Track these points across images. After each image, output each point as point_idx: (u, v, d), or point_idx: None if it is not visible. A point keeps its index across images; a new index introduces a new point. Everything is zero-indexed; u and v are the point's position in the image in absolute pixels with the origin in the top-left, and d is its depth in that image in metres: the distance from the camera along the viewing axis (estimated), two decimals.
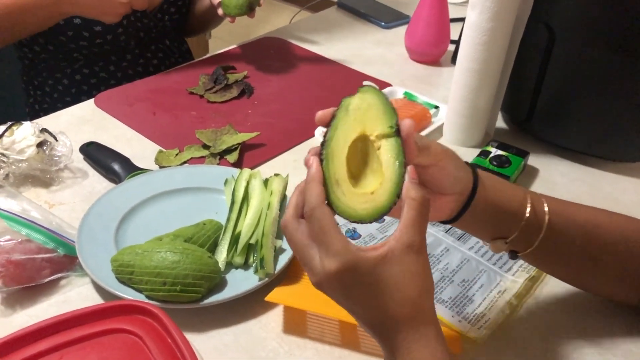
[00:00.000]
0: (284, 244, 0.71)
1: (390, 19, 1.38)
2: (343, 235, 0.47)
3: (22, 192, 0.79)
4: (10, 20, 0.97)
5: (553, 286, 0.72)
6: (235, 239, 0.69)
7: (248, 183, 0.77)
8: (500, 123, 1.03)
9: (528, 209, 0.57)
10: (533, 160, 0.93)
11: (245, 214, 0.73)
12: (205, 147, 0.89)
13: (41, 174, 0.81)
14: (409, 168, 0.48)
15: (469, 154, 0.91)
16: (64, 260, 0.67)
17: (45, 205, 0.77)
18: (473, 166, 0.59)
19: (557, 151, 0.95)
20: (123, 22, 1.06)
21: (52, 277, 0.66)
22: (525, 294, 0.70)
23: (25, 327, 0.53)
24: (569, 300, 0.70)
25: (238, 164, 0.87)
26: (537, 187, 0.88)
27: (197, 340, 0.62)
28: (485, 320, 0.65)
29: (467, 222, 0.57)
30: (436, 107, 1.03)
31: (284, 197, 0.77)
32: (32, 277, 0.64)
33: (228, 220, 0.72)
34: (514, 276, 0.71)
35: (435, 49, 1.19)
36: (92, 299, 0.66)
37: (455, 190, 0.55)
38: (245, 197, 0.75)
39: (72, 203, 0.79)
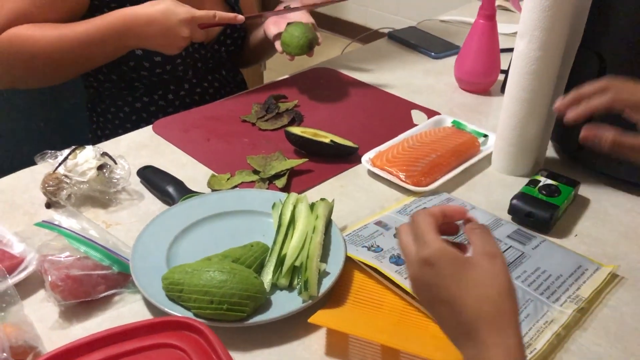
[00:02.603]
0: (328, 267, 0.72)
1: (440, 49, 1.39)
2: (438, 234, 0.54)
3: (82, 211, 0.83)
4: (79, 53, 1.03)
5: (603, 319, 0.70)
6: (280, 261, 0.71)
7: (295, 207, 0.79)
8: (551, 152, 1.02)
9: None
10: (584, 190, 0.92)
11: (291, 237, 0.75)
12: (256, 172, 0.92)
13: (100, 195, 0.85)
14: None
15: (518, 184, 0.90)
16: (118, 277, 0.70)
17: (102, 225, 0.81)
18: None
19: (609, 182, 0.93)
20: (182, 53, 1.11)
21: (106, 293, 0.69)
22: (574, 326, 0.69)
23: (79, 338, 0.56)
24: (620, 334, 0.68)
25: (286, 189, 0.89)
26: (588, 217, 0.87)
27: (241, 359, 0.63)
28: (531, 351, 0.64)
29: None
30: (485, 135, 1.03)
31: (329, 222, 0.79)
32: (88, 292, 0.68)
33: (274, 242, 0.74)
34: (562, 307, 0.70)
35: (484, 79, 1.19)
36: (143, 315, 0.68)
37: None
38: (292, 221, 0.77)
39: (128, 223, 0.82)
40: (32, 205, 0.84)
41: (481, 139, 1.02)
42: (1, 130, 1.33)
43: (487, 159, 0.99)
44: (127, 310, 0.69)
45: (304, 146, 0.97)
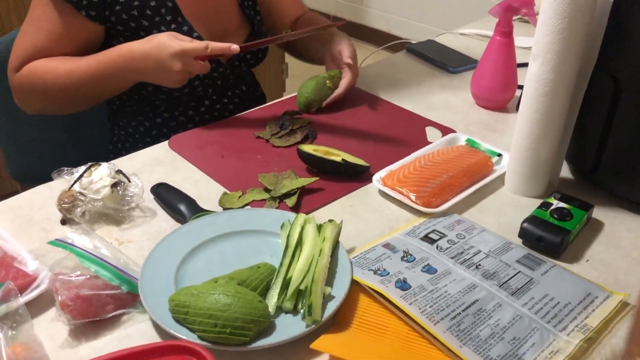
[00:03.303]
0: (333, 290, 0.72)
1: (458, 63, 1.38)
2: None
3: (96, 229, 0.85)
4: (86, 88, 1.06)
5: (612, 349, 0.69)
6: (286, 284, 0.72)
7: (302, 228, 0.79)
8: (567, 173, 1.00)
9: None
10: (598, 213, 0.90)
11: (298, 259, 0.75)
12: (267, 190, 0.93)
13: (114, 213, 0.87)
14: None
15: (531, 205, 0.89)
16: (127, 297, 0.72)
17: (115, 243, 0.83)
18: None
19: (625, 205, 0.92)
20: (199, 75, 1.12)
21: (115, 313, 0.70)
22: (580, 357, 0.68)
23: None
24: None
25: (296, 208, 0.90)
26: (601, 242, 0.85)
27: None
28: None
29: None
30: (499, 155, 1.02)
31: (337, 243, 0.79)
32: (97, 312, 0.69)
33: (281, 264, 0.75)
34: (569, 336, 0.69)
35: (501, 96, 1.18)
36: (150, 336, 0.69)
37: None
38: (299, 242, 0.78)
39: (140, 241, 0.84)
40: (49, 222, 0.86)
41: (495, 158, 1.02)
42: (26, 140, 1.36)
43: (501, 179, 0.98)
44: (135, 330, 0.70)
45: (315, 164, 0.97)
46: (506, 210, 0.92)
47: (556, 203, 0.87)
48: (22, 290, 0.70)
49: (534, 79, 0.87)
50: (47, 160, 1.40)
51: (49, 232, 0.84)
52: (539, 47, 0.85)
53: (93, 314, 0.69)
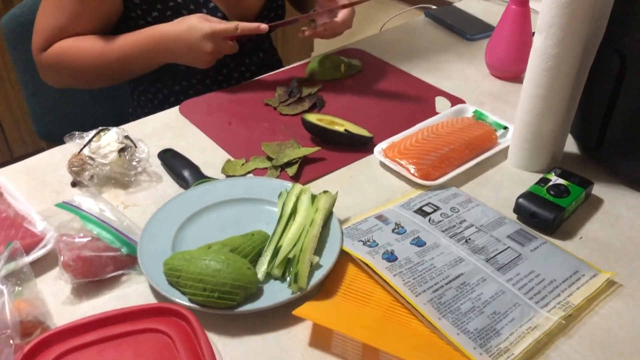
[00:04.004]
0: (322, 260, 0.75)
1: (476, 31, 1.36)
2: None
3: (104, 191, 0.89)
4: (116, 67, 1.10)
5: (591, 327, 0.70)
6: (276, 252, 0.75)
7: (298, 198, 0.82)
8: (573, 149, 0.99)
9: None
10: (600, 190, 0.90)
11: (290, 229, 0.78)
12: (269, 159, 0.95)
13: (121, 177, 0.91)
14: None
15: (531, 180, 0.89)
16: (126, 259, 0.76)
17: (121, 206, 0.87)
18: None
19: (627, 182, 0.91)
20: None
21: (114, 274, 0.74)
22: (558, 333, 0.69)
23: (75, 320, 0.61)
24: (605, 344, 0.68)
25: (296, 177, 0.92)
26: (598, 220, 0.85)
27: (230, 345, 0.68)
28: (507, 356, 0.65)
29: None
30: (505, 127, 1.02)
31: (330, 214, 0.81)
32: (97, 273, 0.74)
33: (274, 233, 0.78)
34: (549, 313, 0.70)
35: (514, 67, 1.17)
36: (146, 296, 0.74)
37: None
38: (293, 212, 0.80)
39: (145, 205, 0.88)
40: (60, 184, 0.91)
41: (501, 131, 1.01)
42: (51, 100, 1.41)
43: (504, 153, 0.98)
44: (132, 291, 0.74)
45: (318, 134, 0.99)
46: (506, 184, 0.93)
47: (554, 179, 0.87)
48: (30, 249, 0.75)
49: (538, 54, 0.85)
50: (71, 120, 1.46)
51: (59, 194, 0.89)
52: (543, 21, 0.83)
53: (93, 274, 0.73)
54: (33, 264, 0.73)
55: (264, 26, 1.05)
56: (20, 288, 0.69)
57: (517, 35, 1.14)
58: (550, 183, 0.86)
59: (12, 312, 0.63)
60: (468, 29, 1.37)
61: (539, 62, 0.86)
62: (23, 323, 0.64)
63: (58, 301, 0.72)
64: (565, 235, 0.83)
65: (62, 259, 0.72)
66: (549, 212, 0.82)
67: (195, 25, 1.03)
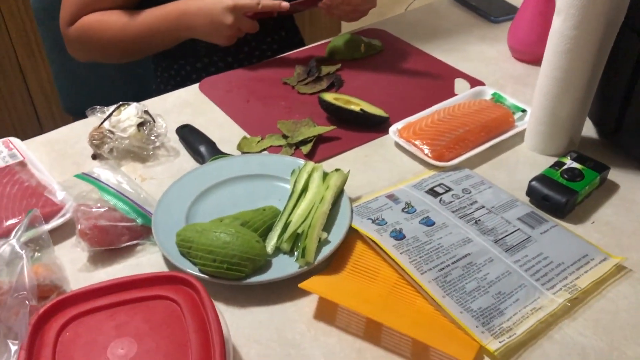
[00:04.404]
0: (330, 236, 0.76)
1: (501, 13, 1.34)
2: None
3: (122, 164, 0.92)
4: (140, 42, 1.12)
5: (596, 311, 0.70)
6: (285, 227, 0.76)
7: (310, 175, 0.83)
8: (592, 133, 0.98)
9: None
10: (615, 175, 0.89)
11: (300, 205, 0.79)
12: (285, 136, 0.96)
13: (139, 151, 0.93)
14: None
15: (547, 164, 0.89)
16: (141, 230, 0.78)
17: (138, 179, 0.89)
18: None
19: None
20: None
21: (129, 243, 0.77)
22: (562, 315, 0.69)
23: (91, 284, 0.64)
24: (609, 327, 0.68)
25: (310, 155, 0.93)
26: (612, 205, 0.84)
27: (237, 314, 0.70)
28: (509, 335, 0.66)
29: None
30: (523, 110, 1.01)
31: (341, 192, 0.82)
32: (113, 242, 0.76)
33: (284, 208, 0.79)
34: (555, 295, 0.70)
35: (537, 49, 1.15)
36: (159, 266, 0.76)
37: None
38: (305, 189, 0.81)
39: (161, 179, 0.90)
40: (81, 156, 0.94)
41: (519, 114, 1.00)
42: (77, 75, 1.45)
43: (521, 136, 0.97)
44: (146, 260, 0.77)
45: (334, 113, 0.99)
46: (521, 167, 0.92)
47: (569, 163, 0.87)
48: (49, 217, 0.78)
49: (556, 35, 0.84)
50: (96, 96, 1.49)
51: (80, 166, 0.92)
52: (562, 1, 0.82)
53: (109, 243, 0.76)
54: (52, 231, 0.76)
55: (285, 4, 1.05)
56: (39, 254, 0.72)
57: (540, 17, 1.12)
58: (565, 167, 0.86)
59: (30, 276, 0.66)
60: (493, 10, 1.35)
61: (558, 44, 0.85)
62: (40, 286, 0.67)
63: (75, 268, 0.75)
64: (577, 219, 0.82)
65: (79, 228, 0.75)
66: (561, 196, 0.81)
67: None
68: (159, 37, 1.11)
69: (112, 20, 1.11)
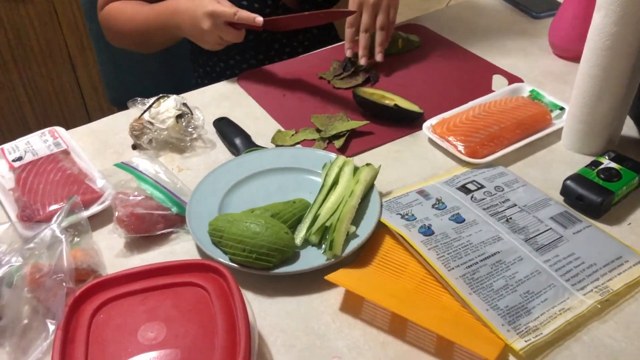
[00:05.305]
0: (359, 230, 0.77)
1: (543, 8, 1.31)
2: None
3: (161, 155, 0.95)
4: (146, 33, 1.13)
5: (628, 314, 0.69)
6: (314, 220, 0.77)
7: (341, 169, 0.83)
8: (632, 133, 0.96)
9: None
10: None
11: (330, 198, 0.80)
12: (318, 130, 0.97)
13: (177, 142, 0.95)
14: None
15: (584, 163, 0.87)
16: (176, 218, 0.81)
17: (175, 169, 0.92)
18: None
19: None
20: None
21: (164, 231, 0.79)
22: (592, 317, 0.68)
23: (125, 269, 0.66)
24: None
25: (343, 150, 0.94)
26: None
27: (264, 304, 0.71)
28: (536, 335, 0.65)
29: None
30: (562, 108, 0.99)
31: (371, 186, 0.83)
32: (149, 229, 0.79)
33: (314, 201, 0.80)
34: (585, 296, 0.69)
35: (578, 45, 1.11)
36: (192, 253, 0.78)
37: None
38: (335, 183, 0.82)
39: (197, 169, 0.92)
40: (121, 146, 0.97)
41: (557, 112, 0.99)
42: (122, 68, 1.49)
43: (558, 134, 0.96)
44: (179, 248, 0.79)
45: (368, 108, 1.00)
46: (556, 166, 0.91)
47: (606, 162, 0.85)
48: (89, 204, 0.81)
49: (596, 32, 0.83)
50: (140, 88, 1.53)
51: (120, 155, 0.95)
52: None
53: (144, 230, 0.78)
54: (91, 217, 0.80)
55: (259, 19, 1.00)
56: (78, 239, 0.75)
57: (583, 12, 1.10)
58: (602, 166, 0.84)
59: (69, 259, 0.69)
60: (534, 5, 1.32)
61: (597, 41, 0.83)
62: (78, 270, 0.70)
63: (111, 253, 0.78)
64: (613, 220, 0.81)
65: (116, 215, 0.78)
66: (596, 196, 0.80)
67: (202, 1, 1.01)
68: (157, 33, 1.12)
69: (126, 9, 1.14)
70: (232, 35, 1.03)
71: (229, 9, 1.00)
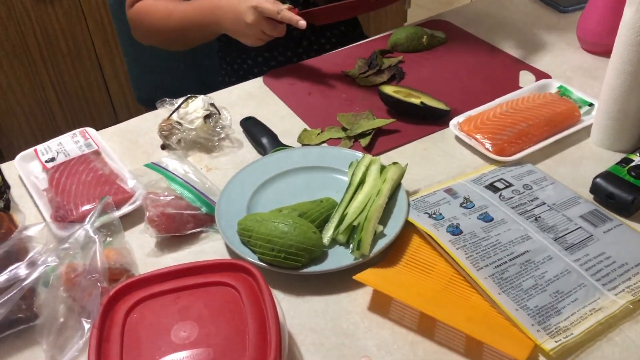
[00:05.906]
0: (386, 229, 0.77)
1: (571, 2, 1.29)
2: None
3: (189, 155, 0.96)
4: (182, 31, 1.14)
5: None
6: (342, 219, 0.77)
7: (367, 168, 0.84)
8: None
9: None
10: None
11: (357, 197, 0.80)
12: (344, 129, 0.97)
13: (205, 142, 0.96)
14: None
15: (614, 160, 0.86)
16: (205, 218, 0.82)
17: (204, 169, 0.93)
18: None
19: None
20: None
21: (193, 230, 0.81)
22: (624, 317, 0.68)
23: (157, 269, 0.68)
24: None
25: (369, 148, 0.94)
26: None
27: (293, 303, 0.72)
28: (566, 335, 0.65)
29: None
30: (591, 104, 0.98)
31: (398, 185, 0.83)
32: (179, 229, 0.80)
33: (341, 200, 0.80)
34: (616, 296, 0.69)
35: (607, 39, 1.10)
36: (221, 253, 0.79)
37: None
38: (362, 182, 0.82)
39: (226, 169, 0.93)
40: (150, 146, 0.98)
41: (585, 108, 0.97)
42: (149, 67, 1.51)
43: (587, 131, 0.95)
44: (209, 247, 0.80)
45: (394, 106, 1.00)
46: (586, 163, 0.90)
47: (638, 160, 0.84)
48: (121, 204, 0.83)
49: (627, 27, 0.82)
50: (167, 87, 1.55)
51: (150, 155, 0.96)
52: None
53: (175, 229, 0.80)
54: (123, 217, 0.81)
55: (302, 22, 1.01)
56: (110, 239, 0.76)
57: (612, 7, 1.08)
58: (633, 164, 0.83)
59: (102, 259, 0.70)
60: (562, 0, 1.30)
61: (628, 36, 0.82)
62: (111, 269, 0.71)
63: (143, 252, 0.79)
64: None
65: (147, 215, 0.79)
66: (628, 194, 0.79)
67: None
68: (195, 29, 1.13)
69: (160, 7, 1.15)
70: (276, 29, 1.04)
71: (272, 5, 1.01)
